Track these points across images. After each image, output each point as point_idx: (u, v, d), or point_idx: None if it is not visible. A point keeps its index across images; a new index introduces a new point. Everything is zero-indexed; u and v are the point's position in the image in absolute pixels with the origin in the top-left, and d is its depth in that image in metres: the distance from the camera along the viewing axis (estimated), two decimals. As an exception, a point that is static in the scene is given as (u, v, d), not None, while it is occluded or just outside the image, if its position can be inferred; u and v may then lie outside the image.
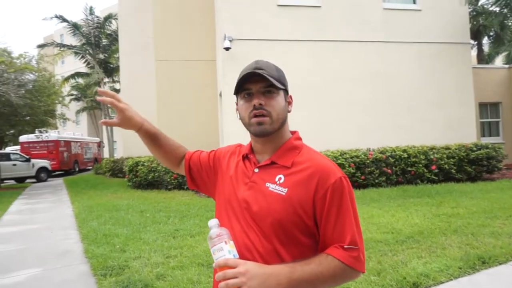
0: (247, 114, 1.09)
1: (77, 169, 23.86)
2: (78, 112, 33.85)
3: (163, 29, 12.19)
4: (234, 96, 1.17)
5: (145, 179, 11.12)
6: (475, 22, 15.53)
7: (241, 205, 1.08)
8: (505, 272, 3.63)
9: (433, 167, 9.33)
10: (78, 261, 4.55)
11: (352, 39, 10.34)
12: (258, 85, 1.08)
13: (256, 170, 1.12)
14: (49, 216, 7.88)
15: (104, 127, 25.93)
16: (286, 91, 1.13)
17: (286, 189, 1.04)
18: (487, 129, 13.84)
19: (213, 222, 1.02)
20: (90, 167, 25.98)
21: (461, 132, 10.60)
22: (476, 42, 18.37)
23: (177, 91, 11.97)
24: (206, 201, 8.29)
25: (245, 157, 1.18)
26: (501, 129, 13.87)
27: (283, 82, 1.11)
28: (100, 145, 30.29)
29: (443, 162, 9.40)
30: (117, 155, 25.31)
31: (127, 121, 1.26)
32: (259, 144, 1.15)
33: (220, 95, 10.78)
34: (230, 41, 9.45)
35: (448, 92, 10.71)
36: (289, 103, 1.16)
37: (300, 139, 1.17)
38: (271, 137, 1.11)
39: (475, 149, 9.71)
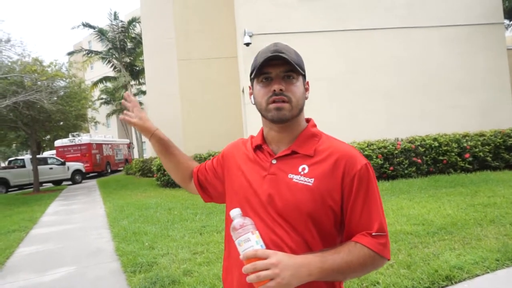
0: (264, 100, 1.04)
1: (109, 170, 24.72)
2: (108, 115, 35.00)
3: (184, 28, 12.33)
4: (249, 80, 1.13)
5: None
6: (509, 1, 14.65)
7: (261, 200, 1.02)
8: (548, 263, 3.40)
9: (467, 155, 8.91)
10: (110, 259, 4.70)
11: (375, 27, 10.02)
12: (279, 69, 1.02)
13: (274, 161, 1.05)
14: (83, 216, 8.19)
15: (133, 129, 26.65)
16: (304, 76, 1.09)
17: (313, 179, 0.99)
18: (525, 113, 13.05)
19: (236, 212, 0.96)
20: (121, 168, 26.83)
21: (496, 117, 10.05)
22: (510, 22, 17.37)
23: (200, 89, 12.10)
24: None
25: (257, 148, 1.12)
26: (541, 113, 13.04)
27: (302, 67, 1.07)
28: (130, 146, 31.21)
29: (477, 149, 8.95)
30: (146, 155, 25.99)
31: (143, 122, 1.32)
32: (275, 131, 1.09)
33: (243, 91, 10.79)
34: (250, 36, 9.42)
35: (480, 76, 10.17)
36: (307, 89, 1.11)
37: (316, 126, 1.13)
38: (288, 124, 1.06)
39: (512, 134, 9.19)
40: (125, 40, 23.33)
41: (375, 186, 1.01)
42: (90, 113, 22.08)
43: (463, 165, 8.89)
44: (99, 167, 23.11)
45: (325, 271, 0.91)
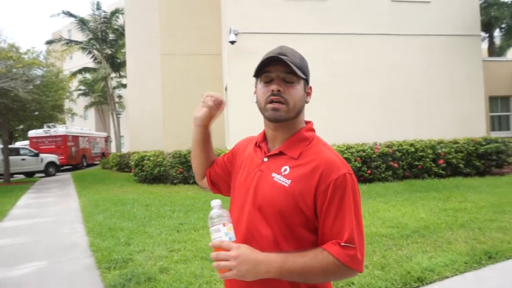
0: (264, 99, 1.09)
1: (85, 164, 24.11)
2: (86, 107, 34.13)
3: (169, 23, 12.16)
4: (254, 78, 1.17)
5: (151, 174, 11.18)
6: (485, 14, 15.20)
7: (248, 192, 1.10)
8: (512, 267, 3.57)
9: (441, 161, 9.21)
10: (84, 254, 4.59)
11: (358, 32, 10.19)
12: (279, 70, 1.07)
13: (265, 159, 1.12)
14: (56, 210, 7.96)
15: (111, 122, 26.09)
16: (307, 81, 1.13)
17: (289, 181, 1.04)
18: (497, 123, 13.62)
19: (216, 203, 1.03)
20: (98, 162, 26.23)
21: (470, 126, 10.42)
22: (487, 35, 18.02)
23: (183, 85, 11.96)
24: (212, 196, 8.23)
25: (257, 145, 1.20)
26: (512, 123, 13.65)
27: (304, 71, 1.10)
28: (107, 140, 30.54)
29: (451, 156, 9.27)
30: (124, 149, 25.53)
31: (212, 114, 1.30)
32: (271, 130, 1.15)
33: (226, 89, 10.75)
34: (236, 34, 9.40)
35: (457, 86, 10.53)
36: (308, 94, 1.14)
37: (312, 130, 1.17)
38: (284, 124, 1.11)
39: (484, 143, 9.56)
40: (107, 31, 22.78)
41: (351, 196, 1.01)
42: (67, 104, 21.46)
43: (437, 170, 9.18)
44: (75, 160, 22.50)
45: (284, 271, 0.95)
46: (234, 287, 1.10)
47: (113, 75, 24.71)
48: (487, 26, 16.99)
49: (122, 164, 17.25)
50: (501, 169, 9.93)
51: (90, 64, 25.14)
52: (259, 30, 9.72)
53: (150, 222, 5.91)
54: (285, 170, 1.06)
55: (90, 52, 22.79)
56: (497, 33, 19.45)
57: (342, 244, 0.98)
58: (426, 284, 3.22)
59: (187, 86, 11.97)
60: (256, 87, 1.15)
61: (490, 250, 3.85)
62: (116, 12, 22.26)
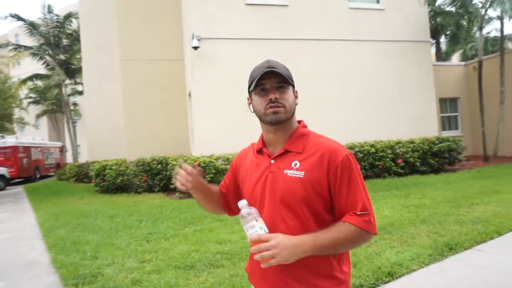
0: (263, 107, 1.24)
1: (38, 176, 22.70)
2: (38, 116, 32.21)
3: (127, 28, 11.84)
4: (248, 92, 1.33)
5: (113, 183, 10.76)
6: (433, 22, 16.26)
7: (263, 195, 1.23)
8: (471, 257, 3.83)
9: (399, 160, 9.69)
10: (46, 272, 4.32)
11: (319, 37, 10.51)
12: (273, 81, 1.23)
13: (272, 161, 1.26)
14: (10, 226, 7.43)
15: (66, 131, 24.83)
16: (293, 86, 1.29)
17: (303, 172, 1.18)
18: (447, 123, 14.57)
19: (243, 203, 1.15)
20: (53, 173, 24.82)
21: (424, 126, 11.07)
22: (434, 41, 19.26)
23: (144, 91, 11.67)
24: (179, 203, 8.15)
25: (259, 152, 1.33)
26: (460, 123, 14.65)
27: (291, 78, 1.26)
28: (62, 149, 29.00)
29: (408, 155, 9.78)
30: (82, 159, 24.34)
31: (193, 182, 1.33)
32: (271, 133, 1.29)
33: (190, 94, 10.63)
34: (199, 40, 9.34)
35: (411, 89, 11.15)
36: (296, 97, 1.31)
37: (306, 126, 1.32)
38: (283, 125, 1.25)
39: (437, 142, 10.19)
40: (60, 36, 21.69)
41: (356, 172, 1.19)
42: (17, 113, 20.16)
43: (396, 169, 9.64)
44: (27, 172, 21.11)
45: (317, 247, 1.11)
46: (267, 278, 1.22)
47: (67, 81, 23.55)
48: (434, 33, 18.19)
49: (81, 175, 16.46)
50: (452, 166, 10.63)
51: (41, 70, 23.82)
52: (222, 36, 9.73)
53: (117, 233, 5.69)
54: (296, 164, 1.21)
55: (41, 58, 21.57)
56: (443, 39, 20.89)
57: (358, 213, 1.14)
58: (396, 278, 3.37)
59: (149, 93, 11.71)
60: (249, 99, 1.31)
61: (450, 242, 4.11)
62: (69, 16, 21.26)
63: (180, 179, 1.29)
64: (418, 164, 9.87)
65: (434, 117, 11.44)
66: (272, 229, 1.15)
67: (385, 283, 3.30)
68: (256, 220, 1.11)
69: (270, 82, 1.23)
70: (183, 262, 4.07)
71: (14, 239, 6.17)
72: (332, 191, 1.18)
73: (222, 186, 1.49)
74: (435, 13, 15.06)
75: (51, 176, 24.53)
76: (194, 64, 9.55)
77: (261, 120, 1.29)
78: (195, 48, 9.28)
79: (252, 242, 1.08)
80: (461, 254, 3.89)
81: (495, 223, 4.79)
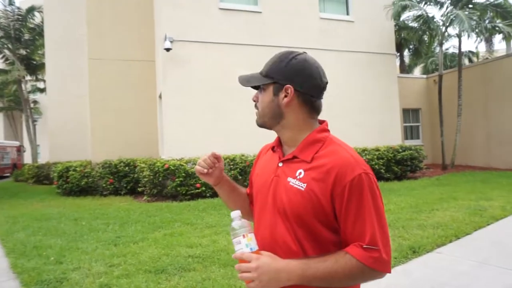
0: None
1: (-8, 177, 21.35)
2: (-7, 113, 30.32)
3: (97, 25, 11.49)
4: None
5: (77, 185, 10.35)
6: (398, 36, 17.07)
7: (269, 200, 1.12)
8: (433, 259, 4.06)
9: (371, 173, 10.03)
10: (5, 277, 4.09)
11: (290, 45, 10.69)
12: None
13: (280, 164, 1.14)
14: (-38, 230, 6.94)
15: (24, 130, 23.54)
16: (279, 83, 1.10)
17: (305, 185, 1.03)
18: (409, 132, 15.29)
19: (235, 214, 1.05)
20: (8, 174, 23.43)
21: (389, 135, 11.55)
22: (398, 54, 20.19)
23: (113, 91, 11.35)
24: (147, 206, 7.98)
25: (273, 150, 1.23)
26: (421, 133, 15.43)
27: (271, 75, 1.12)
28: (20, 149, 27.45)
29: (374, 162, 10.16)
30: (42, 160, 23.14)
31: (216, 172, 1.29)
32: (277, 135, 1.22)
33: (160, 96, 10.47)
34: (171, 42, 9.24)
35: (377, 99, 11.61)
36: (285, 96, 1.10)
37: (325, 130, 1.15)
38: (277, 130, 1.17)
39: (400, 150, 10.67)
40: (22, 29, 20.61)
41: (369, 196, 0.99)
42: (-30, 109, 18.91)
43: (362, 176, 9.97)
44: (-21, 173, 19.80)
45: (306, 277, 0.95)
46: None
47: (28, 78, 22.38)
48: (399, 47, 19.08)
49: (41, 176, 15.65)
50: (414, 174, 11.17)
51: (0, 65, 22.52)
52: (194, 39, 9.69)
53: (82, 237, 5.48)
54: (300, 173, 1.06)
55: (0, 52, 20.40)
56: (406, 53, 21.95)
57: (365, 246, 0.96)
58: (364, 279, 3.51)
59: (118, 93, 11.40)
60: None
61: (414, 245, 4.33)
62: (32, 10, 20.23)
63: (204, 162, 1.22)
64: (382, 171, 10.27)
65: (398, 126, 11.98)
66: (271, 239, 1.07)
67: (354, 284, 3.42)
68: (244, 236, 1.00)
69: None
70: (153, 266, 4.00)
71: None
72: (337, 215, 1.01)
73: (249, 188, 1.39)
74: (400, 27, 15.80)
75: (6, 177, 23.14)
76: (166, 66, 9.43)
77: None
78: (167, 50, 9.17)
79: (236, 259, 1.00)
80: (424, 257, 4.11)
81: (453, 227, 5.10)
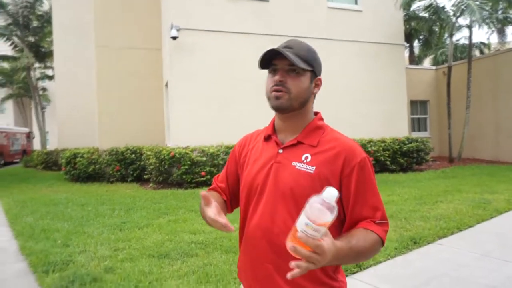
0: (268, 89, 1.14)
1: (2, 162, 21.72)
2: (3, 99, 30.66)
3: (105, 13, 11.49)
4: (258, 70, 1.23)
5: (84, 172, 10.50)
6: (407, 26, 16.79)
7: (265, 185, 1.12)
8: (433, 250, 4.08)
9: (371, 158, 10.01)
10: (14, 259, 4.21)
11: (297, 34, 10.61)
12: (283, 63, 1.11)
13: (281, 151, 1.14)
14: (-27, 213, 7.13)
15: (34, 116, 23.82)
16: (314, 72, 1.16)
17: (314, 167, 1.07)
18: (416, 124, 15.16)
19: (334, 193, 0.83)
20: (18, 160, 23.82)
21: (395, 126, 11.48)
22: (408, 44, 19.90)
23: (120, 79, 11.40)
24: (153, 193, 8.09)
25: (267, 138, 1.21)
26: (429, 125, 15.29)
27: (311, 63, 1.13)
28: (29, 136, 27.84)
29: (379, 154, 10.13)
30: (50, 146, 23.48)
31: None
32: (280, 120, 1.19)
33: (166, 85, 10.50)
34: (178, 30, 9.22)
35: (384, 90, 11.51)
36: (317, 85, 1.18)
37: (322, 119, 1.21)
38: (291, 115, 1.15)
39: (407, 142, 10.61)
40: (30, 16, 20.69)
41: (373, 177, 1.10)
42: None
43: (367, 167, 9.95)
44: (-10, 158, 20.17)
45: (345, 257, 0.94)
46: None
47: (37, 65, 22.56)
48: (408, 37, 18.79)
49: (49, 162, 15.90)
50: (420, 166, 11.12)
51: (8, 51, 22.68)
52: (201, 27, 9.66)
53: (89, 222, 5.60)
54: (307, 158, 1.10)
55: (9, 39, 20.53)
56: (416, 43, 21.62)
57: (377, 221, 1.05)
58: (364, 269, 3.55)
59: (124, 81, 11.46)
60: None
61: (415, 236, 4.35)
62: (41, -3, 20.34)
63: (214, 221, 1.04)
64: (388, 162, 10.24)
65: (405, 118, 11.88)
66: (269, 221, 1.09)
67: (353, 273, 3.46)
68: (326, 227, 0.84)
69: (282, 63, 1.11)
70: (157, 251, 4.09)
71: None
72: (344, 194, 1.07)
73: (221, 181, 1.32)
74: (410, 17, 15.55)
75: (16, 163, 23.54)
76: (172, 54, 9.44)
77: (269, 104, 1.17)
78: (174, 38, 9.17)
79: (299, 242, 0.83)
80: (424, 248, 4.13)
81: (456, 219, 5.10)
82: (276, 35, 10.37)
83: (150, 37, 11.65)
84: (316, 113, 1.23)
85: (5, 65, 26.40)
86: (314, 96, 1.20)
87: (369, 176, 1.09)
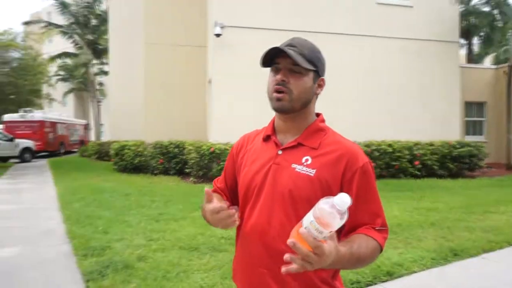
0: (270, 88, 1.11)
1: (62, 151, 23.53)
2: (65, 93, 33.19)
3: (154, 12, 12.00)
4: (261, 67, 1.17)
5: (131, 163, 11.07)
6: (466, 22, 15.67)
7: (262, 187, 1.10)
8: (475, 264, 3.78)
9: (417, 162, 9.52)
10: (60, 241, 4.56)
11: (343, 32, 10.35)
12: (286, 61, 1.07)
13: (280, 152, 1.12)
14: (32, 197, 7.81)
15: (91, 109, 25.52)
16: (317, 72, 1.12)
17: (314, 170, 1.05)
18: (471, 127, 14.13)
19: (347, 200, 0.81)
20: (76, 150, 25.66)
21: (445, 129, 10.80)
22: (466, 42, 18.56)
23: (165, 75, 11.86)
24: (192, 187, 8.33)
25: (266, 139, 1.19)
26: (485, 129, 14.18)
27: (314, 62, 1.09)
28: (87, 127, 29.89)
29: (426, 157, 9.59)
30: (104, 138, 25.05)
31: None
32: (281, 121, 1.16)
33: (210, 81, 10.73)
34: (222, 27, 9.38)
35: (434, 90, 10.86)
36: (320, 86, 1.15)
37: (324, 121, 1.18)
38: (293, 115, 1.12)
39: (458, 146, 9.93)
40: (89, 16, 22.16)
41: (375, 183, 1.09)
42: (45, 89, 20.88)
43: (412, 171, 9.48)
44: (52, 147, 21.91)
45: (345, 263, 0.92)
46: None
47: (94, 61, 24.11)
48: (467, 33, 17.51)
49: (102, 153, 16.96)
50: (472, 172, 10.36)
51: (71, 49, 24.47)
52: (244, 25, 9.73)
53: (129, 211, 5.90)
54: (307, 160, 1.07)
55: (71, 37, 22.12)
56: (476, 40, 20.09)
57: (377, 228, 1.04)
58: (395, 278, 3.38)
59: (170, 77, 11.89)
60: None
61: (456, 247, 4.06)
62: (98, -3, 21.67)
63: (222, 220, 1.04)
64: (436, 167, 9.67)
65: (457, 120, 11.14)
66: (265, 223, 1.07)
67: (383, 281, 3.31)
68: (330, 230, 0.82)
69: (284, 61, 1.07)
70: (188, 244, 4.20)
71: (35, 209, 6.49)
72: None
73: (220, 182, 1.33)
74: (469, 12, 14.49)
75: (74, 152, 25.38)
76: (216, 51, 9.62)
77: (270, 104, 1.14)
78: (217, 35, 9.33)
79: (301, 239, 0.81)
80: (466, 261, 3.84)
81: (507, 233, 4.69)
82: (320, 32, 10.17)
83: (195, 34, 11.97)
84: (318, 115, 1.19)
85: (68, 61, 28.50)
86: (317, 96, 1.16)
87: (371, 182, 1.07)
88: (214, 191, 1.33)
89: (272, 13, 9.93)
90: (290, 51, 1.05)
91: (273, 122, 1.21)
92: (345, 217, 0.81)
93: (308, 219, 0.82)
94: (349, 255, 0.92)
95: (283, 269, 0.84)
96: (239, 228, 1.18)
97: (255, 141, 1.24)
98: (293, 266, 0.82)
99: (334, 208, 0.80)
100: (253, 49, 9.88)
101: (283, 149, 1.12)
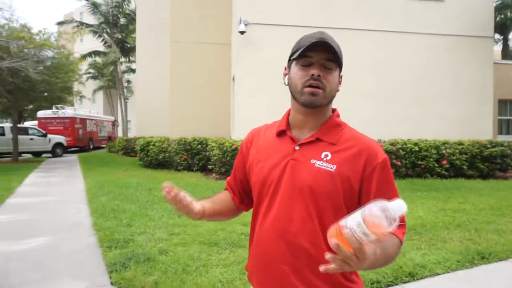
0: (301, 82, 1.07)
1: (91, 146, 24.39)
2: (95, 90, 34.35)
3: (179, 10, 12.17)
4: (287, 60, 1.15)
5: (155, 159, 11.32)
6: (502, 16, 14.96)
7: (280, 183, 1.08)
8: (504, 268, 3.62)
9: (444, 162, 9.20)
10: (87, 233, 4.73)
11: (368, 28, 10.11)
12: (321, 56, 1.05)
13: (297, 147, 1.10)
14: (62, 190, 8.14)
15: (119, 107, 26.29)
16: (341, 70, 1.12)
17: (335, 166, 1.04)
18: (504, 126, 13.52)
19: (402, 207, 0.81)
20: (104, 145, 26.52)
21: (476, 128, 10.36)
22: (502, 37, 17.74)
23: (191, 72, 12.02)
24: (214, 183, 8.42)
25: (280, 134, 1.16)
26: (520, 128, 13.54)
27: (341, 60, 1.09)
28: (114, 123, 30.80)
29: (454, 157, 9.25)
30: (131, 134, 25.75)
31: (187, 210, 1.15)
32: (301, 115, 1.13)
33: (233, 79, 10.78)
34: (246, 25, 9.39)
35: (465, 87, 10.44)
36: (340, 82, 1.14)
37: (339, 116, 1.18)
38: (316, 110, 1.10)
39: (489, 146, 9.51)
40: (119, 15, 22.82)
41: (393, 178, 1.08)
42: (76, 86, 21.69)
43: (440, 171, 9.17)
44: (82, 142, 22.77)
45: (378, 263, 0.92)
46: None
47: (122, 59, 24.80)
48: (503, 28, 16.70)
49: (128, 149, 17.46)
50: (505, 173, 9.90)
51: (100, 47, 25.28)
52: (269, 22, 9.70)
53: (152, 205, 6.04)
54: (326, 156, 1.06)
55: (100, 36, 22.88)
56: None
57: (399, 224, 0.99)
58: (417, 279, 3.29)
59: (195, 75, 12.04)
60: (287, 69, 1.14)
61: (483, 250, 3.90)
62: (127, -3, 22.26)
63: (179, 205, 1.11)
64: (465, 167, 9.31)
65: (489, 119, 10.66)
66: (285, 220, 1.06)
67: (405, 282, 3.23)
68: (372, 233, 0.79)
69: (318, 56, 1.05)
70: (208, 239, 4.26)
71: (64, 202, 6.77)
72: (365, 195, 1.03)
73: (230, 180, 1.33)
74: (505, 5, 13.83)
75: (102, 147, 26.23)
76: (240, 48, 9.65)
77: (294, 98, 1.11)
78: (242, 32, 9.35)
79: (343, 238, 0.79)
80: (494, 265, 3.69)
81: (540, 237, 4.46)
82: (344, 29, 10.01)
83: (220, 32, 12.05)
84: (333, 110, 1.18)
85: (98, 59, 29.45)
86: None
87: (390, 177, 1.07)
88: (226, 189, 1.34)
89: (296, 9, 9.84)
90: (335, 48, 1.04)
91: (287, 116, 1.19)
92: (394, 225, 0.78)
93: (355, 220, 0.78)
94: (383, 257, 0.92)
95: (322, 268, 0.83)
96: (254, 224, 1.17)
97: (266, 136, 1.21)
98: (332, 266, 0.81)
99: (386, 213, 0.78)
100: (275, 46, 9.91)
101: (300, 145, 1.10)
